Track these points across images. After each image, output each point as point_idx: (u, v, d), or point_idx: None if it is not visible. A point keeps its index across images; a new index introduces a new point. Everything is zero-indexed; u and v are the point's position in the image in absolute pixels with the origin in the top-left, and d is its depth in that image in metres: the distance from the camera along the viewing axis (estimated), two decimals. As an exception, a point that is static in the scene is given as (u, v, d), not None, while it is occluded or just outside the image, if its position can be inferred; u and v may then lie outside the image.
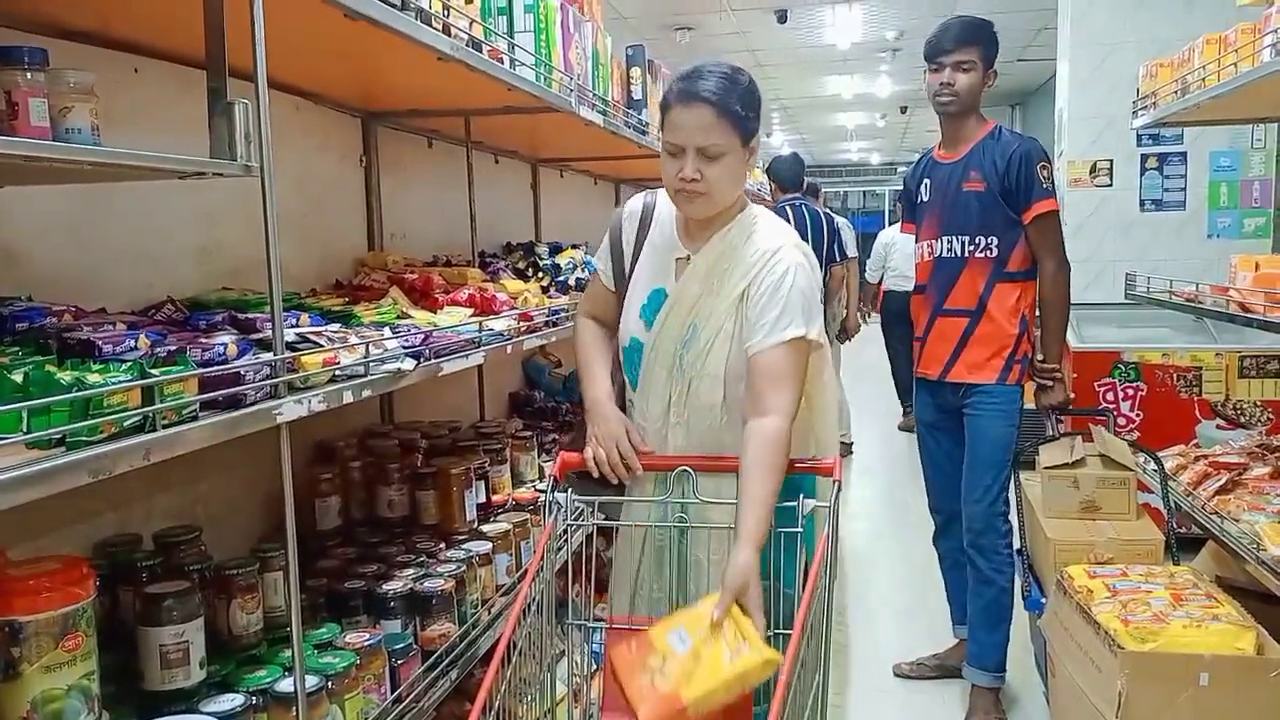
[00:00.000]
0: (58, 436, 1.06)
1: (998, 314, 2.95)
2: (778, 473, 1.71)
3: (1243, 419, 4.29)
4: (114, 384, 1.12)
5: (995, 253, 2.95)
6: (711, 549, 1.86)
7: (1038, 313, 3.03)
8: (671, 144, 1.79)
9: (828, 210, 6.24)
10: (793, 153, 6.13)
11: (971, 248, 2.98)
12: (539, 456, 2.91)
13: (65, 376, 1.10)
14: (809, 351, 1.81)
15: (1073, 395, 3.44)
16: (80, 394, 1.08)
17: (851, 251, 6.18)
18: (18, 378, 1.08)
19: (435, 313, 2.20)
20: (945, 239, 3.04)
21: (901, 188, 3.46)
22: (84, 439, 1.08)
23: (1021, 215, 2.92)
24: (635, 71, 3.43)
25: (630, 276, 1.97)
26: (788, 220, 5.36)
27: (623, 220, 2.01)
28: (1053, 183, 2.93)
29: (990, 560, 3.02)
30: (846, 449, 6.52)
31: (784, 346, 1.76)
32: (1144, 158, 5.49)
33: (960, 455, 3.07)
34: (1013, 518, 3.16)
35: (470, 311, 2.26)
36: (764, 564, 1.70)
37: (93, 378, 1.12)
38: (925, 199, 3.14)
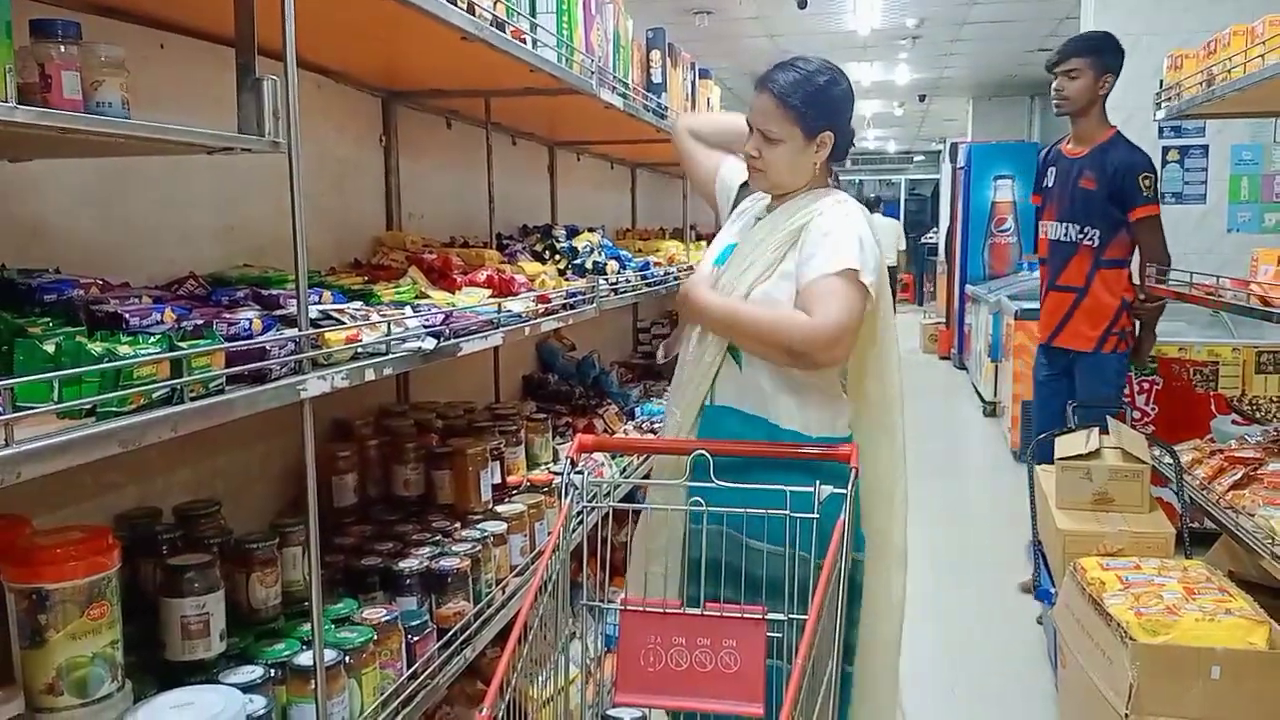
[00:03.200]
0: (88, 407, 1.07)
1: (1101, 293, 3.56)
2: (768, 322, 1.83)
3: (1258, 415, 4.26)
4: (144, 355, 1.12)
5: (1097, 243, 3.54)
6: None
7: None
8: (747, 119, 1.98)
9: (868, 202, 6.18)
10: None
11: (1080, 235, 3.59)
12: (553, 439, 2.92)
13: (96, 348, 1.11)
14: (863, 291, 1.84)
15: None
16: (111, 365, 1.09)
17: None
18: (49, 348, 1.09)
19: (454, 293, 2.21)
20: (1061, 224, 3.65)
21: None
22: (114, 410, 1.09)
23: (1128, 216, 3.49)
24: (655, 54, 3.41)
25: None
26: None
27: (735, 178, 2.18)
28: (1155, 190, 3.50)
29: None
30: None
31: (834, 276, 1.82)
32: (1165, 150, 5.45)
33: (1060, 405, 3.61)
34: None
35: (489, 292, 2.27)
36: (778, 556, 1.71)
37: (123, 349, 1.13)
38: (1049, 185, 3.74)
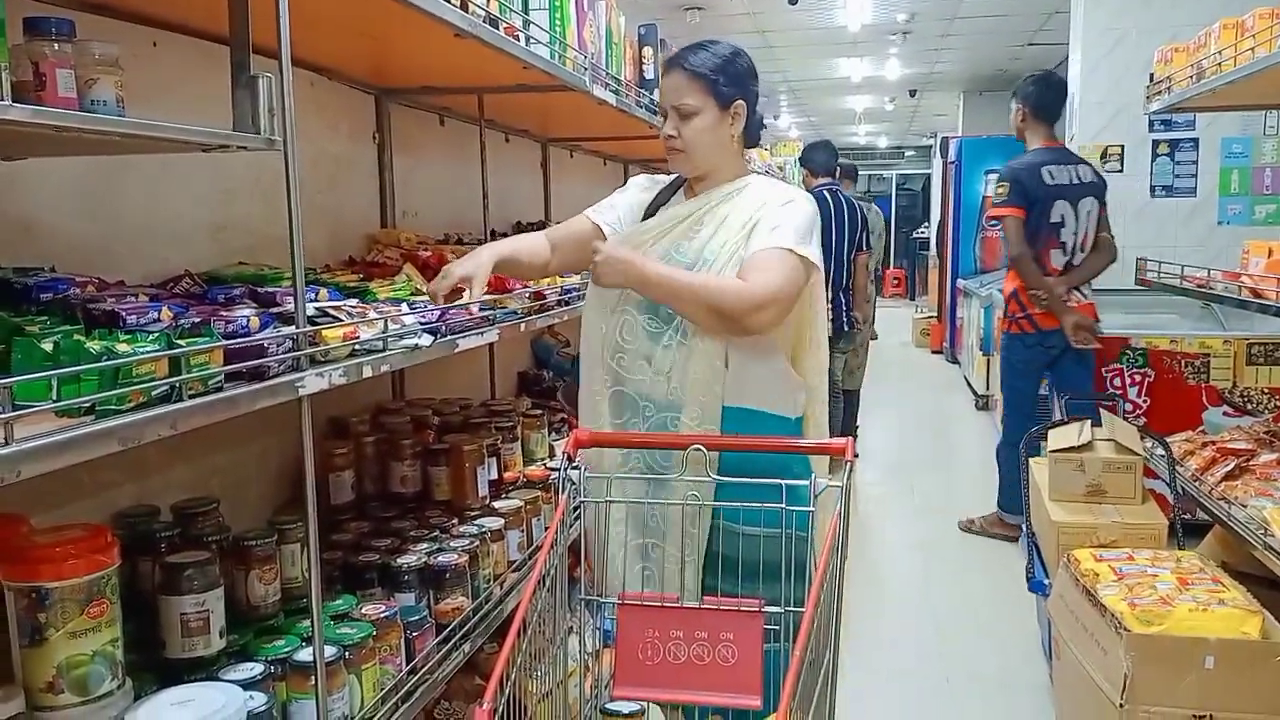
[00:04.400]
0: (87, 405, 1.07)
1: (1005, 282, 4.19)
2: (699, 284, 1.82)
3: (1250, 406, 4.28)
4: (143, 354, 1.12)
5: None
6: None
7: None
8: (660, 107, 2.01)
9: (859, 199, 6.12)
10: (824, 140, 5.96)
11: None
12: (549, 435, 2.93)
13: (95, 346, 1.11)
14: (803, 271, 1.88)
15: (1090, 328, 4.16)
16: (109, 363, 1.09)
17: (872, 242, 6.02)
18: (48, 346, 1.09)
19: (449, 290, 2.20)
20: None
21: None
22: (113, 408, 1.09)
23: None
24: (647, 51, 3.41)
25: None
26: (825, 206, 5.33)
27: (640, 187, 2.15)
28: (1006, 196, 4.05)
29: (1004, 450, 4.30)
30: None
31: (777, 249, 1.84)
32: (1155, 144, 5.48)
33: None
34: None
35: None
36: (774, 544, 1.72)
37: (121, 347, 1.13)
38: None
